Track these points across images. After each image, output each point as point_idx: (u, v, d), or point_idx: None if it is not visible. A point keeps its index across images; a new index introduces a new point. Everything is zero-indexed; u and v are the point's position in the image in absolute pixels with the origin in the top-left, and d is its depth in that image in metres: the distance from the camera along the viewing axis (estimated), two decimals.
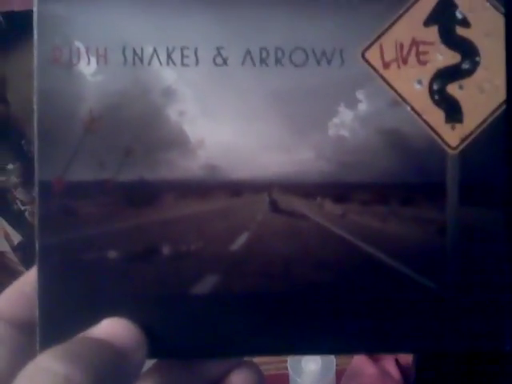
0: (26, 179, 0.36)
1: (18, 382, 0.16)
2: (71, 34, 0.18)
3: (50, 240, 0.18)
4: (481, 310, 0.19)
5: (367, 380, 0.71)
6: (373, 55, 0.19)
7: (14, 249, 0.38)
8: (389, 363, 0.77)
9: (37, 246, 0.18)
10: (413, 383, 0.65)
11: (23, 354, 0.18)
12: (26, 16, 0.31)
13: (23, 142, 0.38)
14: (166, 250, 0.19)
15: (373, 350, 0.20)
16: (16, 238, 0.35)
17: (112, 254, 0.18)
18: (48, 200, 0.18)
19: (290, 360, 0.65)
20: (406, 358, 0.71)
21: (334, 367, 0.66)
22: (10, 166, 0.37)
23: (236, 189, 0.19)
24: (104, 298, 0.18)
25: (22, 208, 0.36)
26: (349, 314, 0.19)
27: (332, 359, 0.67)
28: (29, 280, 0.19)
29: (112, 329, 0.18)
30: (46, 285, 0.18)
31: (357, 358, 0.76)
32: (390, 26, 0.19)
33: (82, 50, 0.18)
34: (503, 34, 0.19)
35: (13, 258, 0.34)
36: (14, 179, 0.38)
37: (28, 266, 0.28)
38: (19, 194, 0.37)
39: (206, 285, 0.19)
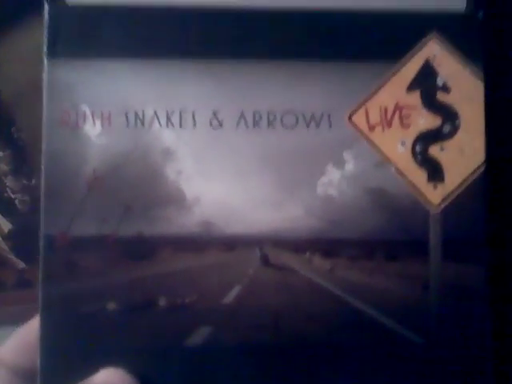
0: (17, 167, 0.37)
1: None
2: (78, 98, 0.20)
3: (53, 291, 0.19)
4: (461, 365, 0.20)
5: None
6: (359, 119, 0.20)
7: (5, 237, 0.39)
8: None
9: (40, 297, 0.19)
10: None
11: None
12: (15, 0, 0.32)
13: (13, 129, 0.39)
14: (162, 302, 0.20)
15: None
16: (6, 226, 0.36)
17: (111, 306, 0.20)
18: (52, 253, 0.19)
19: None
20: None
21: None
22: (0, 154, 0.38)
23: (229, 244, 0.20)
24: (102, 348, 0.19)
25: (13, 196, 0.37)
26: (336, 366, 0.19)
27: None
28: (32, 329, 0.21)
29: (109, 378, 0.19)
30: (47, 334, 0.19)
31: None
32: (376, 92, 0.20)
33: (88, 113, 0.20)
34: (482, 99, 0.20)
35: (3, 246, 0.35)
36: (3, 167, 0.39)
37: (18, 255, 0.29)
38: (9, 181, 0.39)
39: (199, 336, 0.20)
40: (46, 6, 0.20)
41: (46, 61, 0.20)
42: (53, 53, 0.20)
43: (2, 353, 0.23)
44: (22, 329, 0.22)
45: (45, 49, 0.20)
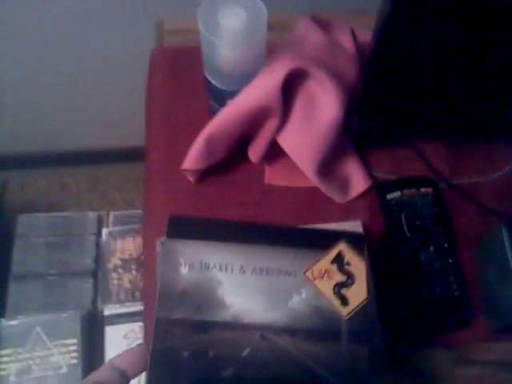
0: None
1: None
2: (184, 255, 0.40)
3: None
4: None
5: (311, 48, 0.60)
6: (309, 274, 0.40)
7: None
8: (343, 35, 0.64)
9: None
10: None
11: None
12: None
13: None
14: (211, 353, 0.40)
15: None
16: None
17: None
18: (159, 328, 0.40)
19: (201, 12, 0.51)
20: (365, 35, 0.61)
21: (266, 22, 0.51)
22: None
23: (245, 327, 0.38)
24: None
25: None
26: None
27: (262, 10, 0.52)
28: (142, 349, 0.37)
29: None
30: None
31: (302, 24, 0.64)
32: (316, 263, 0.40)
33: (183, 261, 0.40)
34: (365, 272, 0.40)
35: None
36: None
37: None
38: None
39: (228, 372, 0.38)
40: None
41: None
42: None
43: (118, 360, 0.35)
44: (136, 346, 0.38)
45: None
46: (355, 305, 0.40)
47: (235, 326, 0.39)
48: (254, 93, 0.54)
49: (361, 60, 0.59)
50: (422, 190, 0.59)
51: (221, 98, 0.58)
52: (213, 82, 0.57)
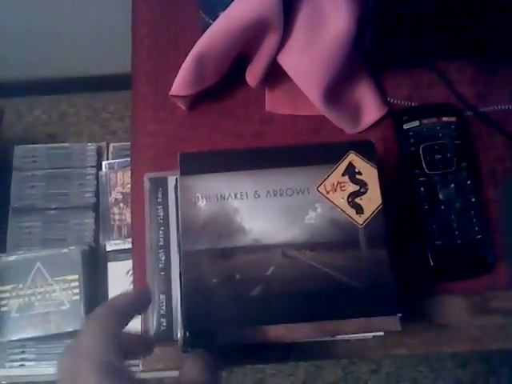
0: None
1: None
2: (200, 190, 0.43)
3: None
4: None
5: None
6: (321, 189, 0.43)
7: None
8: None
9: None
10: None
11: None
12: None
13: None
14: (238, 276, 0.41)
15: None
16: None
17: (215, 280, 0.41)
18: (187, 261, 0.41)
19: None
20: None
21: None
22: None
23: (267, 248, 0.42)
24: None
25: None
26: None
27: None
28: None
29: (192, 366, 0.35)
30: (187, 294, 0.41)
31: None
32: (327, 177, 0.43)
33: (199, 196, 0.43)
34: (377, 178, 0.43)
35: None
36: None
37: None
38: None
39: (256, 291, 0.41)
40: None
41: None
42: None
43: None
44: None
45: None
46: (371, 211, 0.42)
47: (257, 249, 0.41)
48: (249, 2, 0.45)
49: None
50: (444, 118, 0.51)
51: (212, 9, 0.50)
52: None
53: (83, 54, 1.16)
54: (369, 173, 0.43)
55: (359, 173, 0.43)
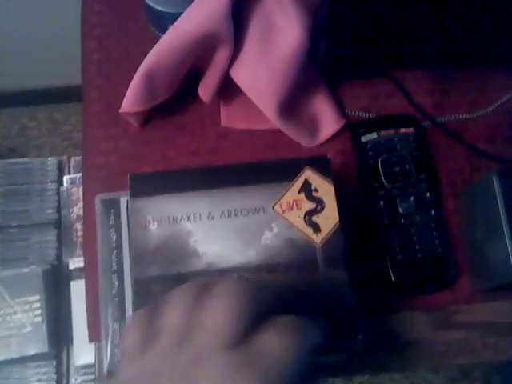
0: None
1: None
2: (151, 212, 0.41)
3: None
4: None
5: None
6: (277, 208, 0.42)
7: None
8: None
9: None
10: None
11: None
12: None
13: None
14: None
15: None
16: None
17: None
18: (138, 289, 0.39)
19: None
20: None
21: None
22: None
23: (222, 271, 0.40)
24: None
25: None
26: None
27: None
28: None
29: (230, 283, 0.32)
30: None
31: None
32: (283, 195, 0.42)
33: (150, 219, 0.41)
34: (334, 195, 0.41)
35: None
36: None
37: None
38: None
39: None
40: None
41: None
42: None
43: None
44: None
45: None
46: (328, 230, 0.41)
47: (211, 273, 0.39)
48: (198, 15, 0.44)
49: None
50: (402, 130, 0.50)
51: (160, 22, 0.48)
52: (148, 1, 0.46)
53: (43, 65, 1.13)
54: (325, 189, 0.41)
55: (315, 190, 0.41)
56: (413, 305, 0.48)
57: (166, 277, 0.39)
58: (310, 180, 0.42)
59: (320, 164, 0.42)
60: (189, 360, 0.25)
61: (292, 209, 0.41)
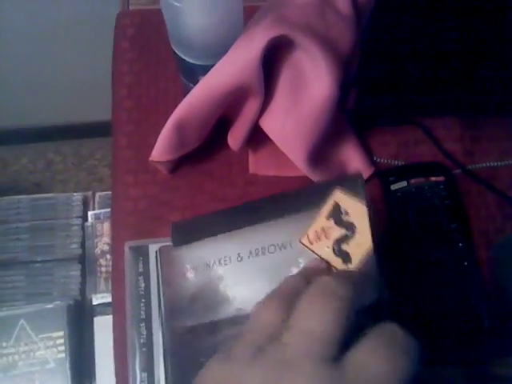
0: None
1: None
2: (189, 261, 0.40)
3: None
4: None
5: (297, 10, 0.46)
6: (304, 240, 0.38)
7: None
8: None
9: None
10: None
11: None
12: None
13: None
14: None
15: None
16: None
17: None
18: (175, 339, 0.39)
19: None
20: None
21: None
22: None
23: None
24: None
25: None
26: None
27: None
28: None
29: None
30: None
31: None
32: (311, 224, 0.38)
33: (188, 267, 0.40)
34: (367, 216, 0.36)
35: None
36: None
37: None
38: None
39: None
40: None
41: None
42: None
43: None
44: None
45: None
46: (359, 258, 0.35)
47: (240, 320, 0.38)
48: (229, 68, 0.44)
49: (358, 24, 0.48)
50: (433, 178, 0.50)
51: (192, 73, 0.49)
52: (180, 54, 0.47)
53: (69, 101, 1.16)
54: (357, 212, 0.35)
55: (346, 213, 0.36)
56: (445, 359, 0.46)
57: (200, 326, 0.39)
58: (341, 202, 0.36)
59: (351, 183, 0.37)
60: (276, 362, 0.23)
61: (320, 239, 0.36)
